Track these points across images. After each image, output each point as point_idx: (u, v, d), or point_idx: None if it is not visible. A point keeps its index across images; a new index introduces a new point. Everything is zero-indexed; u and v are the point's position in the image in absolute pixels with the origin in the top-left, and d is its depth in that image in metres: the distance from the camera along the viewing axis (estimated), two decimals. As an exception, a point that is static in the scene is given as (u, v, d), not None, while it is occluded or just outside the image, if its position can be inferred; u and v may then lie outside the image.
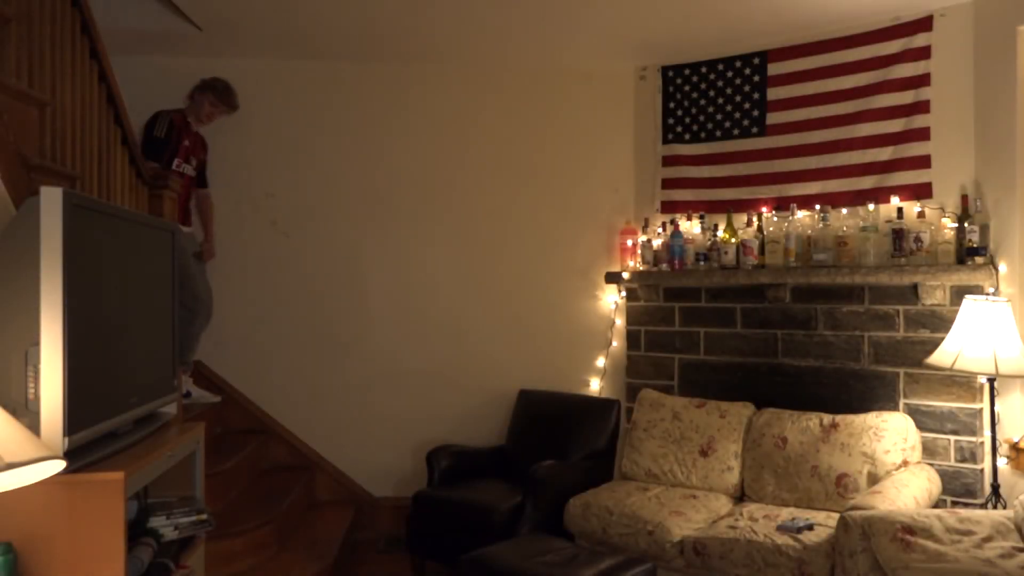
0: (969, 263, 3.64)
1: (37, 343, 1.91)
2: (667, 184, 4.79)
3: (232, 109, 4.55)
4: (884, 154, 4.04)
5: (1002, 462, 3.58)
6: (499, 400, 4.89)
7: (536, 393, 4.78)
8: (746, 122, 4.51)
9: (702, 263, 4.46)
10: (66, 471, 1.76)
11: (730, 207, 4.48)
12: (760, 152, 4.45)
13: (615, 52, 4.72)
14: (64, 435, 1.92)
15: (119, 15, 3.84)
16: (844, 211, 4.10)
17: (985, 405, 3.60)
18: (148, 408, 2.54)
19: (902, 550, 2.86)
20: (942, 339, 3.53)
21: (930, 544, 2.87)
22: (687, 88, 4.73)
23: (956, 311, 3.53)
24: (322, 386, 4.87)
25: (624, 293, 4.84)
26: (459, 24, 4.25)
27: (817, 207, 4.16)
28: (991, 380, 3.47)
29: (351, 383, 4.88)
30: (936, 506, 3.56)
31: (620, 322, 4.89)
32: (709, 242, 4.48)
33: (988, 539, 2.92)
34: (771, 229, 4.27)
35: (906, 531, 2.91)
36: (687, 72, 4.72)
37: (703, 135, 4.67)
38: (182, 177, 4.33)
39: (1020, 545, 2.88)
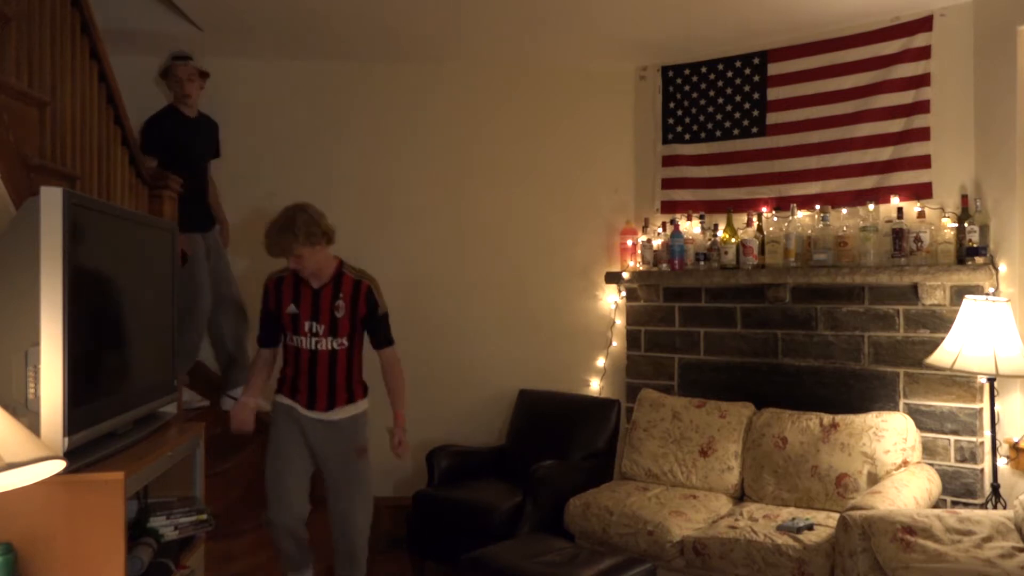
0: (969, 263, 3.64)
1: (37, 343, 1.91)
2: (667, 184, 4.79)
3: (316, 239, 3.29)
4: (884, 154, 4.03)
5: (1002, 462, 3.58)
6: (499, 400, 4.89)
7: (536, 393, 4.78)
8: (746, 122, 4.51)
9: (702, 263, 4.46)
10: (66, 471, 1.76)
11: (730, 207, 4.48)
12: (760, 152, 4.45)
13: (615, 52, 4.72)
14: (64, 435, 1.93)
15: (119, 15, 3.84)
16: (844, 211, 4.09)
17: (985, 405, 3.60)
18: (148, 408, 2.54)
19: (902, 550, 2.86)
20: (942, 339, 3.53)
21: (930, 544, 2.87)
22: (687, 88, 4.72)
23: (956, 311, 3.53)
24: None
25: (624, 293, 4.83)
26: (458, 25, 4.24)
27: (817, 207, 4.16)
28: (991, 380, 3.47)
29: (351, 383, 4.88)
30: (936, 506, 3.56)
31: (620, 322, 4.88)
32: (709, 242, 4.48)
33: (988, 539, 2.92)
34: (771, 229, 4.27)
35: (906, 531, 2.91)
36: (687, 72, 4.72)
37: (703, 135, 4.67)
38: (297, 352, 3.40)
39: (1020, 545, 2.88)
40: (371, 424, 3.61)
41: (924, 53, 3.91)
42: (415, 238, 4.97)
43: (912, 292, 3.85)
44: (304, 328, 3.38)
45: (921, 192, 3.92)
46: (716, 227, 4.47)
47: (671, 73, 4.78)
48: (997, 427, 3.53)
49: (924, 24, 3.91)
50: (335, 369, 3.40)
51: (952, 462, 3.73)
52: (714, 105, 4.63)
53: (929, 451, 3.76)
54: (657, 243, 4.66)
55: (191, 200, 4.09)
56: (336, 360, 3.40)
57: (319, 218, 3.32)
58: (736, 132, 4.54)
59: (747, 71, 4.51)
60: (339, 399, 3.42)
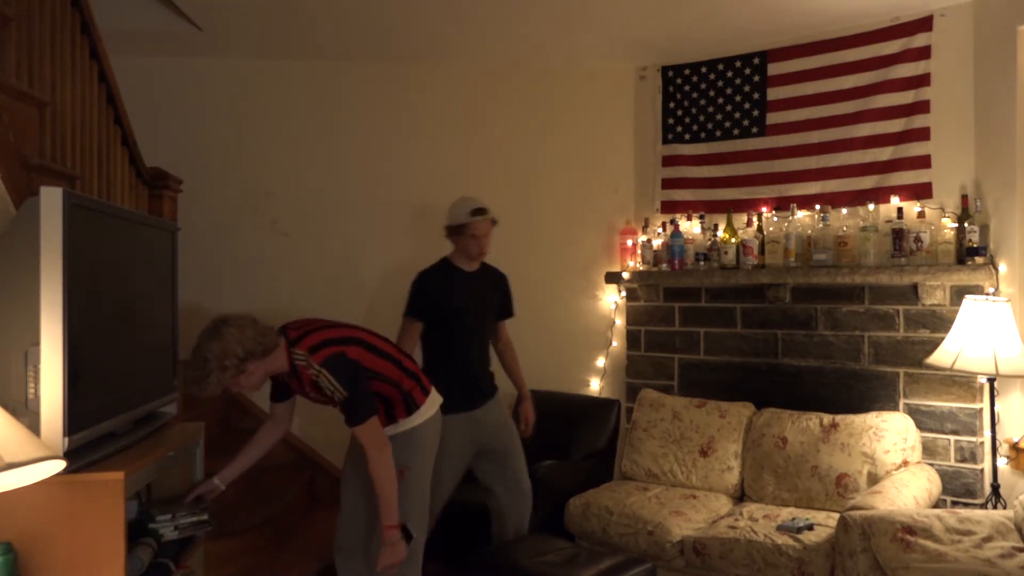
0: (969, 263, 3.64)
1: (37, 343, 1.91)
2: (667, 184, 4.79)
3: (233, 372, 2.61)
4: (884, 154, 4.03)
5: (1002, 462, 3.58)
6: (499, 400, 4.88)
7: (536, 393, 4.75)
8: (746, 122, 4.51)
9: (702, 263, 4.46)
10: (66, 471, 1.76)
11: (730, 207, 4.48)
12: (760, 152, 4.45)
13: (615, 52, 4.72)
14: (64, 435, 1.93)
15: (119, 15, 3.84)
16: (844, 211, 4.09)
17: (985, 405, 3.60)
18: (148, 408, 2.54)
19: (902, 550, 2.86)
20: (942, 339, 3.53)
21: (930, 544, 2.87)
22: (687, 88, 4.72)
23: (956, 311, 3.53)
24: (322, 386, 4.87)
25: (624, 293, 4.83)
26: (458, 24, 4.24)
27: (817, 207, 4.16)
28: (991, 380, 3.47)
29: (351, 383, 4.88)
30: (936, 506, 3.56)
31: (620, 322, 4.88)
32: (709, 242, 4.48)
33: (988, 539, 2.92)
34: (771, 229, 4.27)
35: (906, 531, 2.91)
36: (687, 72, 4.72)
37: (703, 135, 4.67)
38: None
39: (1020, 545, 2.88)
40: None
41: (924, 53, 3.91)
42: (414, 238, 4.96)
43: (912, 292, 3.85)
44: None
45: (921, 192, 3.92)
46: (716, 227, 4.47)
47: (671, 73, 4.78)
48: (997, 427, 3.53)
49: (924, 24, 3.91)
50: None
51: (952, 462, 3.73)
52: (714, 105, 4.63)
53: (929, 451, 3.76)
54: (657, 243, 4.66)
55: (460, 371, 3.55)
56: None
57: (234, 342, 2.56)
58: (736, 132, 4.54)
59: (747, 71, 4.51)
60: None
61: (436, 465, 3.21)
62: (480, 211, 3.62)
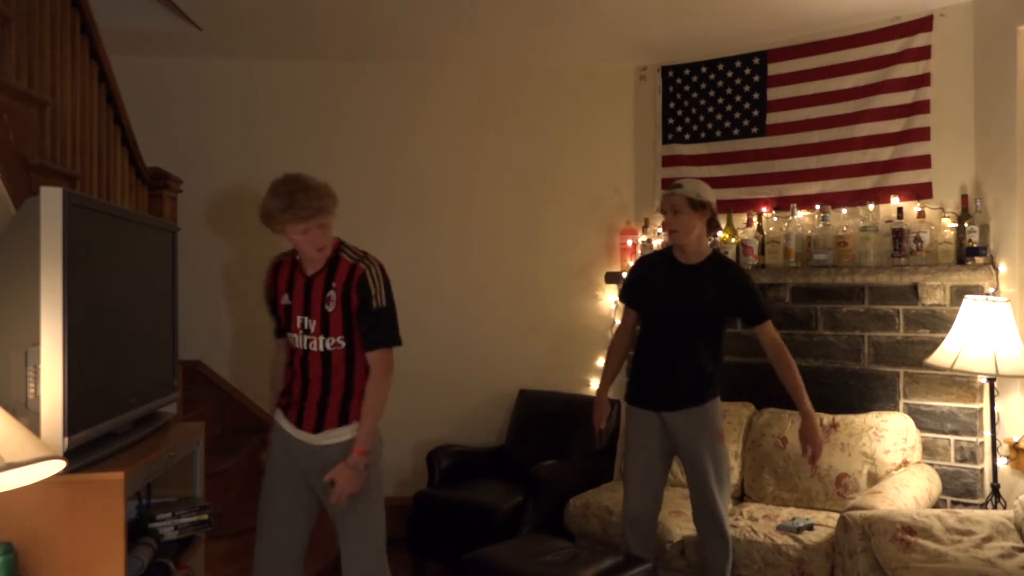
0: (969, 263, 3.64)
1: (37, 343, 1.91)
2: (667, 184, 4.78)
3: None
4: (884, 154, 4.03)
5: (1002, 462, 3.58)
6: (499, 400, 4.88)
7: (536, 393, 4.78)
8: (746, 122, 4.51)
9: (702, 263, 4.45)
10: (66, 471, 1.76)
11: (730, 207, 4.47)
12: (760, 152, 4.45)
13: (615, 52, 4.72)
14: (64, 435, 1.93)
15: (119, 15, 3.84)
16: (844, 211, 4.09)
17: (985, 405, 3.60)
18: (148, 408, 2.54)
19: (902, 550, 2.86)
20: (942, 339, 3.53)
21: (930, 544, 2.87)
22: (687, 88, 4.72)
23: (956, 311, 3.53)
24: (322, 386, 4.87)
25: (624, 293, 4.83)
26: (458, 24, 4.25)
27: (817, 207, 4.16)
28: (991, 380, 3.47)
29: (351, 383, 4.88)
30: (936, 506, 3.56)
31: (620, 322, 4.87)
32: (709, 242, 4.47)
33: (988, 539, 2.92)
34: (771, 229, 4.27)
35: (906, 531, 2.91)
36: (687, 72, 4.72)
37: (703, 135, 4.67)
38: (293, 353, 2.78)
39: (1020, 545, 2.88)
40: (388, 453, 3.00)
41: (924, 53, 3.91)
42: (414, 238, 4.96)
43: (912, 292, 3.85)
44: (296, 323, 2.72)
45: (921, 192, 3.92)
46: (716, 227, 4.47)
47: (671, 73, 4.78)
48: (997, 427, 3.53)
49: (924, 24, 3.91)
50: (329, 376, 2.70)
51: (952, 462, 3.73)
52: (714, 105, 4.63)
53: (929, 451, 3.76)
54: (657, 243, 4.66)
55: (645, 365, 3.38)
56: (330, 365, 2.69)
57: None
58: (736, 132, 4.54)
59: (747, 71, 4.51)
60: (329, 418, 2.71)
61: (625, 455, 3.24)
62: (675, 185, 3.26)
